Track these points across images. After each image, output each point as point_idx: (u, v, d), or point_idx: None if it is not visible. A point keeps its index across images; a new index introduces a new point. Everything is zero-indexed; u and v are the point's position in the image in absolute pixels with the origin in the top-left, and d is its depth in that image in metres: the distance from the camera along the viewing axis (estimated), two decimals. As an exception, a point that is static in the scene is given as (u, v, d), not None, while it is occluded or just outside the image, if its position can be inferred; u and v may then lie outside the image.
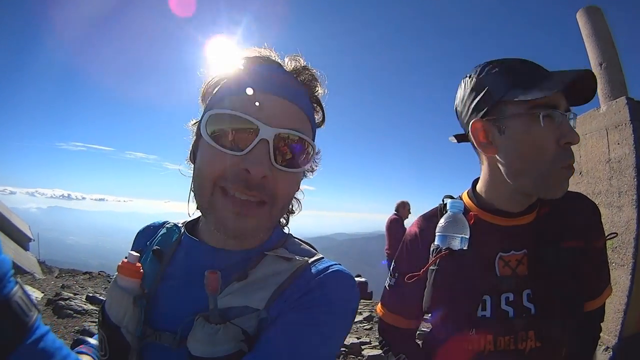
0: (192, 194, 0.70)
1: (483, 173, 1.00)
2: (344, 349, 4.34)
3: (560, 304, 0.90)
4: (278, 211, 0.67)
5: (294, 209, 0.83)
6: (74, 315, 5.19)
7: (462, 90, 0.98)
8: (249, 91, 0.63)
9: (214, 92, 0.69)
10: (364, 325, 5.67)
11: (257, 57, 0.70)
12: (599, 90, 2.70)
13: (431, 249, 0.93)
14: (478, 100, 0.92)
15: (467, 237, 0.89)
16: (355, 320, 5.70)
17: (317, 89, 0.75)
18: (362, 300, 8.14)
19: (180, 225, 0.82)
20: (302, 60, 0.73)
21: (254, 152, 0.60)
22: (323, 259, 0.72)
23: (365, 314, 6.24)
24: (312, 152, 0.69)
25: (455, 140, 1.06)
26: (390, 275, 1.09)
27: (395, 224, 6.30)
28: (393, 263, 1.10)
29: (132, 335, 0.65)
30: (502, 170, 0.92)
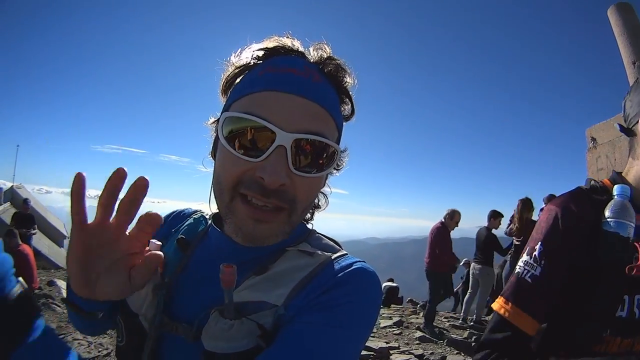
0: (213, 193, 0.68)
1: (636, 169, 0.98)
2: (372, 352, 4.36)
3: None
4: (298, 216, 0.64)
5: (320, 203, 0.80)
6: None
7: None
8: (266, 91, 0.60)
9: (233, 87, 0.67)
10: (394, 330, 5.65)
11: (277, 48, 0.66)
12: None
13: (606, 236, 0.83)
14: None
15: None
16: (385, 325, 5.70)
17: (344, 80, 0.69)
18: (392, 305, 8.07)
19: (207, 216, 0.81)
20: (327, 49, 0.68)
21: (270, 160, 0.57)
22: (347, 256, 0.69)
23: (395, 319, 6.20)
24: (335, 154, 0.64)
25: (619, 128, 1.02)
26: (533, 261, 0.88)
27: (439, 233, 5.81)
28: (540, 246, 0.89)
29: (149, 323, 0.65)
30: None
